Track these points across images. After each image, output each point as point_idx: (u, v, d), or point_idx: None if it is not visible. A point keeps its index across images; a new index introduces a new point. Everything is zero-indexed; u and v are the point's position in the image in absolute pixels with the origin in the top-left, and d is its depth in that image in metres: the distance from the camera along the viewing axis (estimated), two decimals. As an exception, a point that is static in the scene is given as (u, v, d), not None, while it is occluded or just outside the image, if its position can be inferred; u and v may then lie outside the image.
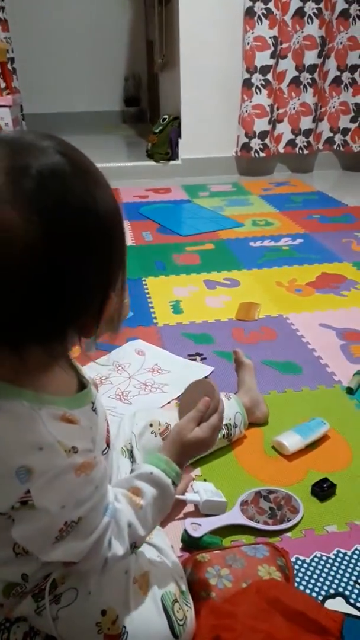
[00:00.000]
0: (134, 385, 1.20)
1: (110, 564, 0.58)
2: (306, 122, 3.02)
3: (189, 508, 0.89)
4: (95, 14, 4.39)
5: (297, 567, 0.79)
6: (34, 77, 4.15)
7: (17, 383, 0.52)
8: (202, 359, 1.31)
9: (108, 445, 0.69)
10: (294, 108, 3.03)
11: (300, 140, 3.08)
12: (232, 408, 1.03)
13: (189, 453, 0.67)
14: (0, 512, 0.53)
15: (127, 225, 2.26)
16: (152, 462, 0.64)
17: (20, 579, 0.63)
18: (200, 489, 0.89)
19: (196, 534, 0.82)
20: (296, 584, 0.77)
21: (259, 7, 2.73)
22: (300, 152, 3.11)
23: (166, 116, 3.17)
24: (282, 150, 3.12)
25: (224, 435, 1.00)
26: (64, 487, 0.52)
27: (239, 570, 0.75)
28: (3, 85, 3.05)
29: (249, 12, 2.75)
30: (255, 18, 2.75)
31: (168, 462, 0.64)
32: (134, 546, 0.61)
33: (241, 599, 0.70)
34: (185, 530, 0.83)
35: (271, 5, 2.73)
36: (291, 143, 3.10)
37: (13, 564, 0.61)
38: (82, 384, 0.62)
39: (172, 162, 3.14)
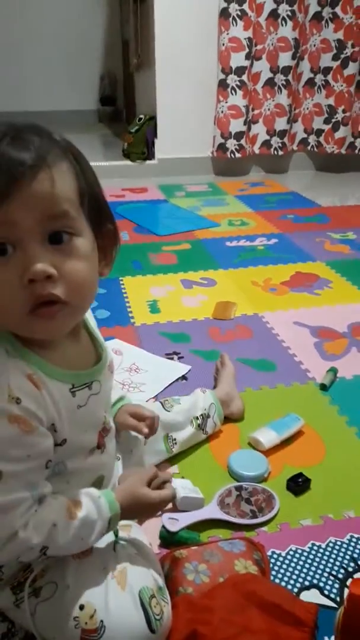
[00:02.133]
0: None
1: (16, 545, 0.57)
2: (281, 123, 3.06)
3: (167, 505, 0.89)
4: (71, 12, 4.36)
5: (272, 560, 0.81)
6: (8, 74, 4.11)
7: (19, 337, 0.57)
8: (179, 358, 1.32)
9: (99, 447, 0.69)
10: (269, 109, 3.06)
11: (275, 141, 3.11)
12: (207, 400, 1.05)
13: (134, 508, 0.69)
14: None
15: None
16: (103, 493, 0.66)
17: None
18: (178, 485, 0.89)
19: (173, 528, 0.83)
20: (272, 577, 0.78)
21: (233, 9, 2.75)
22: (275, 152, 3.14)
23: (142, 116, 3.17)
24: (257, 151, 3.15)
25: (198, 425, 1.01)
26: None
27: (215, 565, 0.76)
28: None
29: (224, 13, 2.77)
30: (230, 19, 2.77)
31: (115, 500, 0.66)
32: (44, 551, 0.59)
33: (218, 593, 0.71)
34: (163, 526, 0.83)
35: (245, 6, 2.75)
36: (266, 144, 3.14)
37: None
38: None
39: (148, 162, 3.14)
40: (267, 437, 1.02)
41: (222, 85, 2.92)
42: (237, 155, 3.06)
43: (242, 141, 3.04)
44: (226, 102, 2.95)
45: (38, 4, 4.28)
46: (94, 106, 4.77)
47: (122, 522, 0.78)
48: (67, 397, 0.61)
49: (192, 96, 2.99)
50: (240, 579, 0.73)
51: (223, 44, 2.83)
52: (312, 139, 3.20)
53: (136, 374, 1.24)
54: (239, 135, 3.01)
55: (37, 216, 0.51)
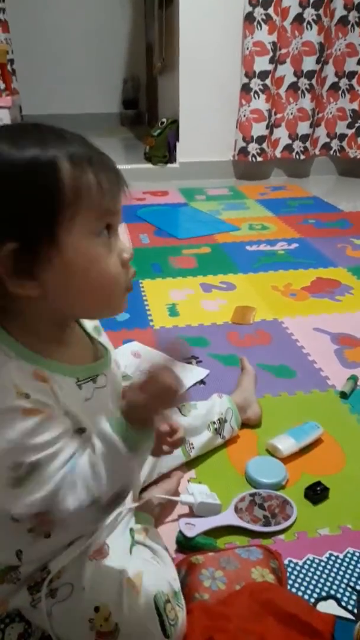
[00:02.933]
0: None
1: (63, 518, 0.55)
2: (303, 128, 3.04)
3: (184, 509, 0.89)
4: (96, 17, 4.40)
5: (289, 569, 0.80)
6: (33, 78, 4.16)
7: (14, 334, 0.57)
8: (197, 362, 1.31)
9: None
10: (292, 113, 3.05)
11: (298, 145, 3.09)
12: (223, 404, 1.04)
13: (134, 412, 0.58)
14: None
15: (124, 227, 2.27)
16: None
17: (15, 557, 0.64)
18: (195, 490, 0.89)
19: (190, 533, 0.83)
20: (289, 587, 0.77)
21: (258, 13, 2.75)
22: (297, 157, 3.12)
23: (164, 119, 3.18)
24: (279, 155, 3.14)
25: (215, 429, 1.01)
26: (8, 425, 0.52)
27: (232, 573, 0.76)
28: (2, 86, 3.06)
29: (249, 18, 2.77)
30: (255, 23, 2.77)
31: (118, 420, 0.57)
32: (94, 501, 0.54)
33: (234, 601, 0.71)
34: (180, 532, 0.83)
35: (271, 11, 2.74)
36: (288, 148, 3.12)
37: (6, 537, 0.63)
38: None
39: (169, 165, 3.15)
40: (286, 444, 1.02)
41: (245, 89, 2.92)
42: (259, 159, 3.05)
43: (264, 145, 3.03)
44: (249, 106, 2.94)
45: (63, 9, 4.33)
46: (117, 109, 4.80)
47: (139, 526, 0.79)
48: (74, 389, 0.60)
49: (215, 100, 2.99)
50: (257, 587, 0.73)
51: (247, 48, 2.83)
52: (334, 144, 3.17)
53: (155, 377, 1.24)
54: (260, 139, 3.00)
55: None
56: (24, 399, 0.53)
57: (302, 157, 3.11)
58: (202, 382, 1.24)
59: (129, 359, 1.30)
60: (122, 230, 0.60)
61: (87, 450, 0.56)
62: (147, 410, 0.55)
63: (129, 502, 0.79)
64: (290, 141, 3.11)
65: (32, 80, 4.10)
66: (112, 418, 0.56)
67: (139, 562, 0.68)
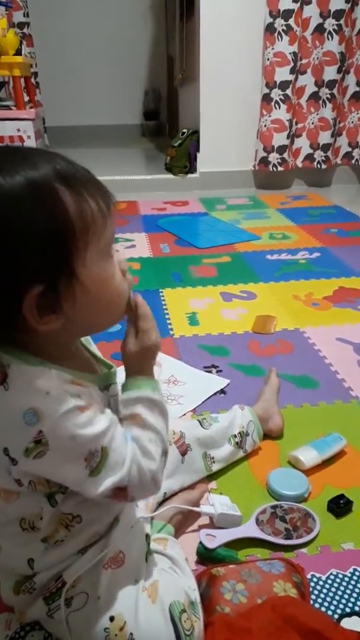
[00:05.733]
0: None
1: (158, 477, 0.63)
2: (325, 137, 3.03)
3: (204, 520, 0.88)
4: (117, 29, 4.47)
5: (312, 584, 0.78)
6: (56, 90, 4.23)
7: (35, 353, 0.59)
8: (217, 372, 1.31)
9: None
10: (313, 123, 3.04)
11: (319, 154, 3.08)
12: (245, 417, 1.03)
13: (137, 362, 0.67)
14: (16, 458, 0.56)
15: (145, 237, 2.28)
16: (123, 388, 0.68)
17: (27, 566, 0.65)
18: (216, 501, 0.88)
19: (211, 545, 0.81)
20: (311, 602, 0.76)
21: (279, 24, 2.76)
22: (319, 166, 3.11)
23: (185, 130, 3.20)
24: (300, 165, 3.13)
25: (237, 443, 1.00)
26: (72, 423, 0.56)
27: (254, 586, 0.74)
28: (26, 98, 3.11)
29: (269, 28, 2.78)
30: (276, 34, 2.78)
31: (132, 380, 0.67)
32: (165, 453, 0.65)
33: (256, 614, 0.69)
34: (200, 543, 0.82)
35: (291, 21, 2.75)
36: (309, 157, 3.11)
37: (19, 544, 0.64)
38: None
39: (190, 175, 3.16)
40: (308, 456, 1.00)
41: (266, 99, 2.93)
42: (280, 168, 3.05)
43: (285, 155, 3.02)
44: (269, 116, 2.95)
45: (86, 22, 4.41)
46: (138, 121, 4.86)
47: (158, 536, 0.78)
48: (100, 394, 0.64)
49: (235, 110, 3.01)
50: (280, 601, 0.71)
51: (268, 59, 2.84)
52: (356, 153, 3.15)
53: (175, 386, 1.24)
54: (281, 149, 3.00)
55: None
56: (78, 398, 0.56)
57: (324, 166, 3.10)
58: (222, 391, 1.23)
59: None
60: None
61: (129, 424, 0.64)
62: (143, 359, 0.66)
63: (144, 511, 0.79)
64: (311, 151, 3.10)
65: (55, 93, 4.17)
66: (123, 383, 0.67)
67: (154, 571, 0.68)
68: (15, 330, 0.56)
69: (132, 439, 0.62)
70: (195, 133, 3.11)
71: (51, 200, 0.52)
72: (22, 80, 2.96)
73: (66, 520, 0.64)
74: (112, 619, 0.62)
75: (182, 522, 0.87)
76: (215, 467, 0.97)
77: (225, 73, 2.91)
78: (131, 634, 0.61)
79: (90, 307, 0.58)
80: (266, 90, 2.91)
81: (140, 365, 0.67)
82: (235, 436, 1.00)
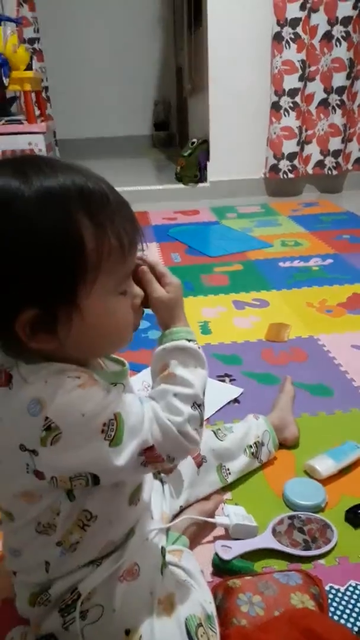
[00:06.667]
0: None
1: (187, 429, 0.60)
2: (335, 143, 3.03)
3: (220, 531, 0.87)
4: (126, 41, 4.52)
5: (330, 596, 0.77)
6: (66, 103, 4.28)
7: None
8: (231, 380, 1.30)
9: None
10: (323, 129, 3.04)
11: (329, 161, 3.08)
12: (260, 427, 1.02)
13: (173, 307, 0.67)
14: (36, 450, 0.55)
15: (156, 247, 2.28)
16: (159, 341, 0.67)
17: (43, 570, 0.64)
18: (231, 512, 0.87)
19: (226, 556, 0.80)
20: (330, 614, 0.74)
21: (286, 32, 2.77)
22: (330, 172, 3.10)
23: (195, 140, 3.21)
24: (310, 171, 3.13)
25: (252, 453, 0.99)
26: (75, 400, 0.55)
27: (271, 598, 0.73)
28: (37, 112, 3.15)
29: (277, 37, 2.79)
30: (284, 42, 2.79)
31: (165, 335, 0.66)
32: (198, 405, 0.62)
33: (273, 627, 0.68)
34: (216, 554, 0.81)
35: (299, 29, 2.76)
36: (320, 164, 3.11)
37: (35, 548, 0.64)
38: None
39: (200, 184, 3.17)
40: (324, 465, 0.99)
41: (275, 107, 2.93)
42: (290, 175, 3.04)
43: (295, 162, 3.02)
44: (279, 124, 2.95)
45: (94, 33, 4.47)
46: (148, 131, 4.89)
47: (173, 547, 0.77)
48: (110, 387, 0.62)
49: (245, 119, 3.02)
50: (298, 614, 0.70)
51: (276, 67, 2.85)
52: (367, 158, 3.14)
53: (188, 395, 1.23)
54: (291, 156, 3.00)
55: None
56: (77, 379, 0.56)
57: (335, 172, 3.09)
58: (236, 400, 1.22)
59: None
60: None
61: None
62: (176, 301, 0.66)
63: (159, 523, 0.78)
64: (322, 157, 3.09)
65: (65, 106, 4.21)
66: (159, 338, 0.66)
67: (170, 583, 0.67)
68: (9, 340, 0.56)
69: (156, 395, 0.62)
70: (205, 142, 3.13)
71: (70, 228, 0.52)
72: (33, 94, 2.99)
73: (82, 520, 0.63)
74: (127, 632, 0.61)
75: (197, 533, 0.86)
76: (230, 479, 0.96)
77: (234, 82, 2.93)
78: None
79: (86, 336, 0.57)
80: (275, 98, 2.92)
81: (172, 311, 0.66)
82: (250, 446, 0.99)
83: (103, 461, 0.57)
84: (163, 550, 0.74)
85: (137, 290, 0.64)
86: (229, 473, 0.96)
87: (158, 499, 0.81)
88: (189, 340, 0.65)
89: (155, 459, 0.60)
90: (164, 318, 0.66)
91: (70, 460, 0.56)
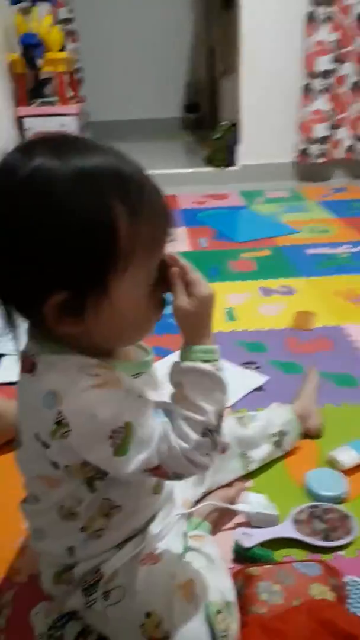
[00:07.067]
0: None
1: (194, 457, 0.58)
2: (368, 127, 2.94)
3: (241, 518, 0.88)
4: (158, 23, 4.45)
5: (350, 587, 0.77)
6: (98, 85, 4.25)
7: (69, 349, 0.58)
8: (256, 368, 1.29)
9: None
10: (355, 113, 2.96)
11: (362, 145, 3.00)
12: (283, 416, 1.02)
13: (194, 322, 0.60)
14: (47, 441, 0.57)
15: (184, 231, 2.27)
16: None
17: (67, 554, 0.66)
18: (253, 500, 0.88)
19: (247, 544, 0.81)
20: (349, 606, 0.74)
21: (320, 12, 2.69)
22: (361, 157, 3.02)
23: (225, 122, 3.17)
24: (341, 156, 3.05)
25: (275, 442, 0.99)
26: (89, 401, 0.55)
27: (290, 588, 0.73)
28: (70, 94, 3.14)
29: (310, 17, 2.71)
30: (317, 23, 2.71)
31: (183, 350, 0.61)
32: (210, 431, 0.58)
33: (292, 617, 0.69)
34: (237, 541, 0.82)
35: (333, 9, 2.68)
36: (351, 149, 3.03)
37: (59, 533, 0.65)
38: None
39: (230, 168, 3.13)
40: (347, 456, 0.98)
41: (307, 89, 2.86)
42: (321, 160, 2.98)
43: (326, 146, 2.95)
44: (310, 107, 2.88)
45: (125, 14, 4.41)
46: (179, 114, 4.84)
47: (195, 533, 0.78)
48: (131, 379, 0.62)
49: (276, 101, 2.96)
50: (317, 605, 0.70)
51: (309, 48, 2.77)
52: None
53: (212, 382, 1.23)
54: (322, 140, 2.93)
55: None
56: (95, 377, 0.56)
57: (367, 157, 3.01)
58: (260, 388, 1.22)
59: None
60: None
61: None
62: (200, 316, 0.59)
63: (181, 508, 0.79)
64: (353, 142, 3.01)
65: (97, 88, 4.19)
66: (179, 352, 0.61)
67: (191, 569, 0.68)
68: (37, 323, 0.56)
69: (167, 414, 0.59)
70: (235, 125, 3.08)
71: (104, 212, 0.51)
72: (66, 76, 2.99)
73: (106, 508, 0.64)
74: (148, 615, 0.62)
75: (219, 519, 0.87)
76: (252, 467, 0.96)
77: (266, 63, 2.87)
78: (167, 631, 0.61)
79: (112, 324, 0.57)
80: (307, 80, 2.85)
81: (193, 325, 0.60)
82: (274, 435, 0.99)
83: (108, 464, 0.58)
84: (185, 535, 0.75)
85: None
86: (252, 461, 0.96)
87: (181, 485, 0.82)
88: (208, 361, 0.59)
89: (161, 475, 0.60)
90: (184, 331, 0.61)
91: (78, 456, 0.58)
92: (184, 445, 0.57)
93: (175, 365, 0.61)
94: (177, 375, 0.60)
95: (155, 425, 0.58)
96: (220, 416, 0.60)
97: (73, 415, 0.55)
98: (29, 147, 0.53)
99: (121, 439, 0.56)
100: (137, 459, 0.57)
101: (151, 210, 0.55)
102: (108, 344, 0.62)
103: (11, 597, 0.78)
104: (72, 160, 0.51)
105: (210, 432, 0.59)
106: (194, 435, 0.57)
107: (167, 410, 0.60)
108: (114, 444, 0.56)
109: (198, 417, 0.58)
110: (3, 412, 1.03)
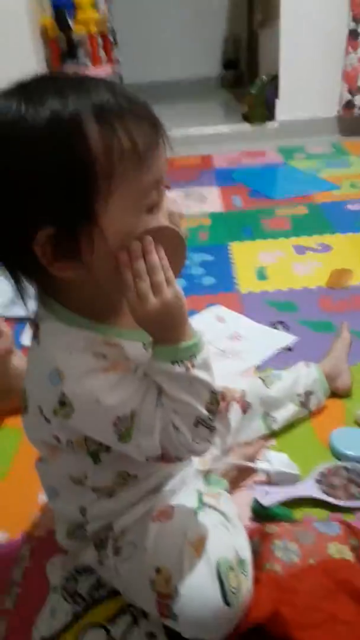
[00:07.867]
0: (212, 352, 1.18)
1: (192, 447, 0.57)
2: None
3: (260, 477, 0.86)
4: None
5: (372, 548, 0.74)
6: (133, 46, 4.15)
7: (72, 308, 0.56)
8: (284, 328, 1.25)
9: None
10: None
11: None
12: (310, 375, 0.98)
13: (155, 324, 0.55)
14: (48, 417, 0.57)
15: (217, 190, 2.20)
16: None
17: (79, 513, 0.66)
18: (273, 458, 0.85)
19: (266, 502, 0.79)
20: (370, 567, 0.71)
21: None
22: None
23: (264, 76, 3.03)
24: (389, 106, 2.87)
25: (301, 402, 0.95)
26: (94, 385, 0.53)
27: (307, 546, 0.71)
28: (103, 55, 3.08)
29: None
30: None
31: (152, 350, 0.57)
32: (202, 419, 0.56)
33: (307, 575, 0.67)
34: (255, 499, 0.80)
35: None
36: None
37: (71, 493, 0.66)
38: None
39: (268, 123, 3.01)
40: (376, 415, 0.94)
41: (353, 34, 2.68)
42: (367, 112, 2.81)
43: (373, 96, 2.78)
44: (356, 54, 2.71)
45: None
46: (217, 72, 4.67)
47: (212, 490, 0.76)
48: (142, 352, 0.60)
49: (319, 50, 2.79)
50: (333, 564, 0.68)
51: (354, -12, 2.58)
52: None
53: (238, 341, 1.20)
54: (369, 90, 2.76)
55: None
56: (102, 359, 0.54)
57: None
58: (289, 348, 1.18)
59: (212, 323, 1.27)
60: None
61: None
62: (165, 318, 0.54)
63: (197, 464, 0.77)
64: None
65: (132, 49, 4.10)
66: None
67: (204, 526, 0.66)
68: (32, 271, 0.54)
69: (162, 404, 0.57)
70: (275, 78, 2.94)
71: (73, 137, 0.48)
72: (99, 37, 2.92)
73: (122, 478, 0.65)
74: (158, 570, 0.62)
75: (238, 477, 0.85)
76: (276, 427, 0.94)
77: (308, 9, 2.69)
78: (176, 587, 0.60)
79: (111, 261, 0.52)
80: (353, 25, 2.66)
81: (161, 329, 0.55)
82: (299, 395, 0.96)
83: (114, 446, 0.58)
84: (199, 493, 0.73)
85: (172, 209, 0.56)
86: (275, 421, 0.93)
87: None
88: (179, 361, 0.54)
89: (166, 460, 0.59)
90: (148, 332, 0.56)
91: (80, 433, 0.58)
92: (179, 436, 0.56)
93: (149, 363, 0.57)
94: (152, 374, 0.56)
95: (157, 413, 0.56)
96: (210, 403, 0.57)
97: (77, 398, 0.54)
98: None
99: (125, 427, 0.55)
100: (141, 445, 0.56)
101: (128, 120, 0.50)
102: (117, 292, 0.55)
103: (29, 551, 0.80)
104: (37, 96, 0.48)
105: (203, 420, 0.57)
106: (186, 428, 0.56)
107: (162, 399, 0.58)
108: (118, 430, 0.55)
109: (185, 410, 0.55)
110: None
